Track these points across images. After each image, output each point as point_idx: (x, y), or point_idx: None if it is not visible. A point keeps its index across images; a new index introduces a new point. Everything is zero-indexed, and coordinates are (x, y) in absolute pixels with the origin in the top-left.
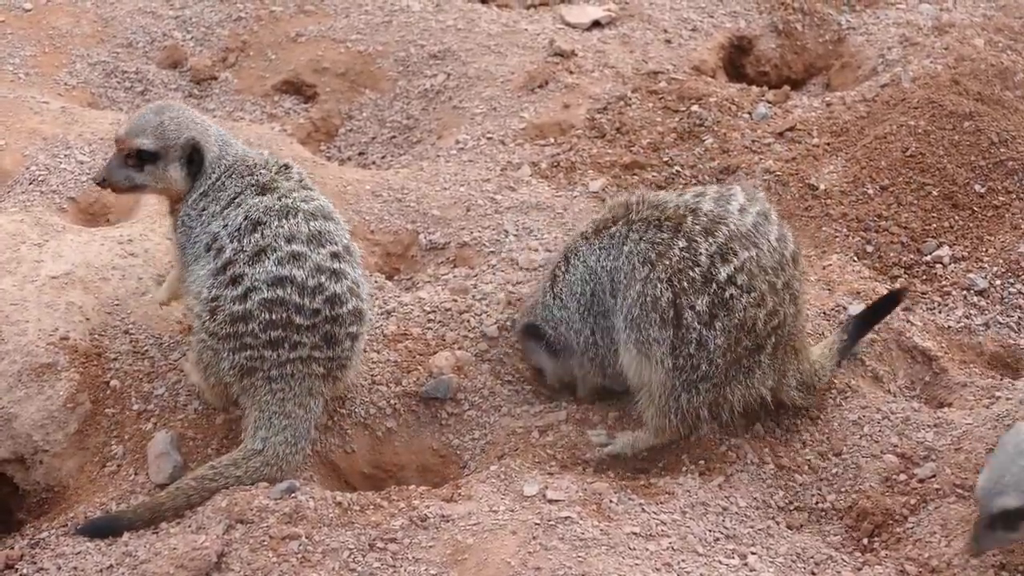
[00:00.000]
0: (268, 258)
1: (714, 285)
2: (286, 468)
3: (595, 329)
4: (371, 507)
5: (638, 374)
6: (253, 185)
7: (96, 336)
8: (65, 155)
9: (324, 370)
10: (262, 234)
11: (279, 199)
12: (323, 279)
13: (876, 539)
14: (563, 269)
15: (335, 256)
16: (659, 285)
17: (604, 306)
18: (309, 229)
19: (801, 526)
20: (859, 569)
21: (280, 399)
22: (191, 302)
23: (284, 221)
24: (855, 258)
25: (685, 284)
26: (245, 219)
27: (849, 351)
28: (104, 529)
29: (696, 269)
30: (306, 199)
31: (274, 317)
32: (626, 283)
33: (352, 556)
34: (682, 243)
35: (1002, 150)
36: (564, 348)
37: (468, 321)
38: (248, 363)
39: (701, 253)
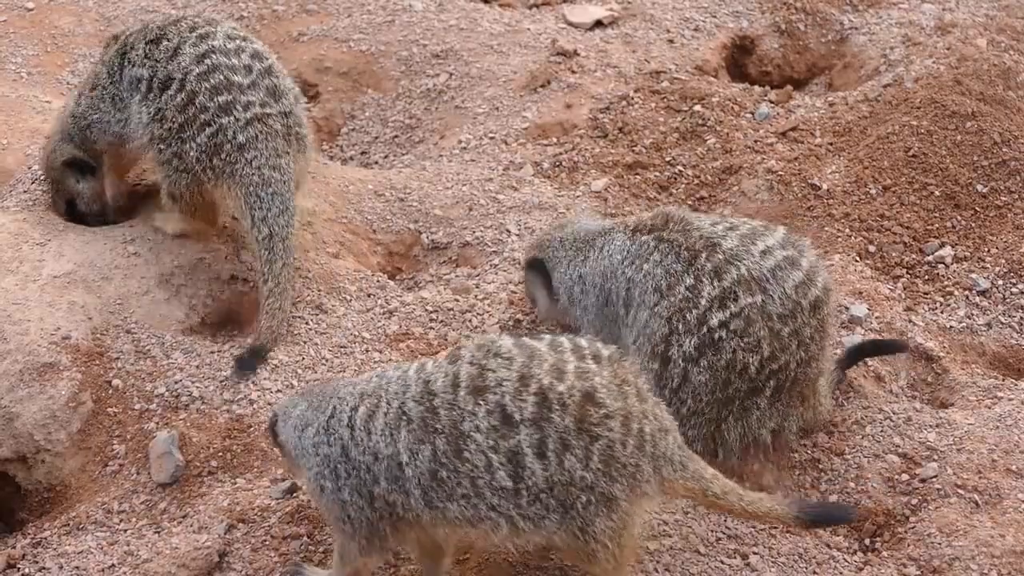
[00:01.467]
0: (183, 50)
1: (705, 328)
2: (291, 234)
3: (602, 328)
4: None
5: None
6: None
7: (98, 335)
8: None
9: (282, 127)
10: (168, 39)
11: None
12: (238, 42)
13: (878, 539)
14: (596, 252)
15: (242, 39)
16: (659, 320)
17: (614, 309)
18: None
19: None
20: (860, 569)
21: (257, 166)
22: (151, 155)
23: (182, 24)
24: (857, 258)
25: (680, 325)
26: (146, 44)
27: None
28: (252, 360)
29: (694, 312)
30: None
31: (215, 82)
32: (639, 302)
33: None
34: (689, 281)
35: (1004, 150)
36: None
37: (470, 321)
38: (212, 139)
39: (703, 296)
